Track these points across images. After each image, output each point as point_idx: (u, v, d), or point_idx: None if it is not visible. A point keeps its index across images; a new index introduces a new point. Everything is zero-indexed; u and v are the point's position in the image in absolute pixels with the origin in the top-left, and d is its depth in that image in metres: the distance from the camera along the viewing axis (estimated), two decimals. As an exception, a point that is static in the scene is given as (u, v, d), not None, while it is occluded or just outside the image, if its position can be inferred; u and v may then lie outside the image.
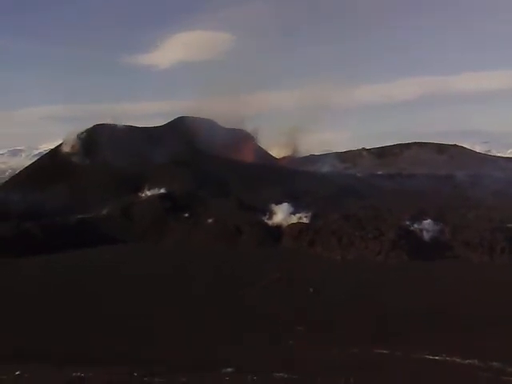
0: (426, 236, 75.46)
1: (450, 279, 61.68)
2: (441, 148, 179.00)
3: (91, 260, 70.95)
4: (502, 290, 56.24)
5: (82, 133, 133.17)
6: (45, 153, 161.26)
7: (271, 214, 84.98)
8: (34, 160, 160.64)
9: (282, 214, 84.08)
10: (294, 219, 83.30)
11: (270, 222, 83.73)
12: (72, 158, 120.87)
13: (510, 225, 77.50)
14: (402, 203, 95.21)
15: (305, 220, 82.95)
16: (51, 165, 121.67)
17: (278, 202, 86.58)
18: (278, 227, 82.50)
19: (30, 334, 43.74)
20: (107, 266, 67.41)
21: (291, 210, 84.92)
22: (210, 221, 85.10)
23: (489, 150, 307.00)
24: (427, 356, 38.63)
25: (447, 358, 38.15)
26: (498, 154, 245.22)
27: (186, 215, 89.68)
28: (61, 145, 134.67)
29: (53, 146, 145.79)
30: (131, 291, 56.25)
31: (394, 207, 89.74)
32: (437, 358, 38.33)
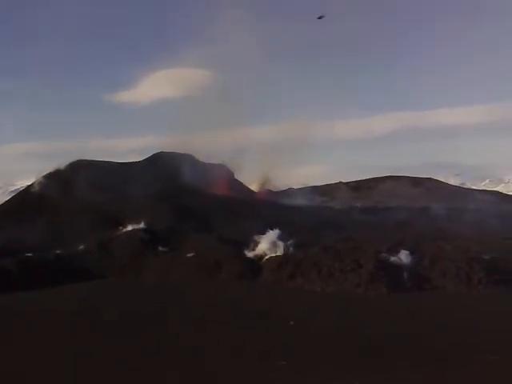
0: (404, 267, 76.23)
1: (428, 311, 62.27)
2: (415, 181, 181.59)
3: (67, 297, 69.89)
4: (479, 320, 56.98)
5: (60, 169, 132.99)
6: (21, 189, 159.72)
7: (255, 243, 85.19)
8: (10, 196, 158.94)
9: (266, 243, 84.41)
10: (280, 245, 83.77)
11: (251, 255, 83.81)
12: (49, 194, 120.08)
13: (486, 256, 78.74)
14: (380, 235, 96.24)
15: (290, 250, 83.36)
16: (28, 201, 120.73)
17: (260, 234, 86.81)
18: (259, 260, 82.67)
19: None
20: (82, 304, 66.25)
21: (277, 235, 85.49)
22: (189, 255, 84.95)
23: (463, 183, 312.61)
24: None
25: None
26: (473, 187, 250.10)
27: (166, 250, 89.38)
28: (37, 181, 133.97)
29: (29, 183, 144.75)
30: (106, 331, 55.12)
31: (371, 239, 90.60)
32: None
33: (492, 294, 69.48)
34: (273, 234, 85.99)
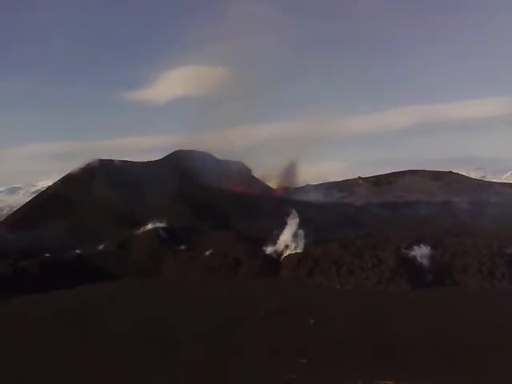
0: (425, 263, 75.10)
1: (450, 307, 61.23)
2: (436, 175, 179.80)
3: (87, 298, 69.99)
4: (502, 317, 55.84)
5: (79, 169, 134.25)
6: (42, 190, 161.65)
7: (276, 236, 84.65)
8: (31, 197, 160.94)
9: (287, 234, 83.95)
10: (301, 235, 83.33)
11: (271, 250, 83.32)
12: (68, 195, 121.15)
13: (508, 250, 77.24)
14: (400, 231, 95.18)
15: (309, 246, 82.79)
16: (49, 202, 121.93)
17: (278, 232, 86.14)
18: (278, 256, 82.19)
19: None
20: (101, 304, 66.20)
21: (296, 224, 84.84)
22: (208, 253, 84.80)
23: (484, 176, 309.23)
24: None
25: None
26: (494, 180, 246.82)
27: (185, 248, 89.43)
28: (57, 182, 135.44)
29: (50, 183, 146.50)
30: (123, 333, 54.84)
31: (391, 235, 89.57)
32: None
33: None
34: (293, 223, 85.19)
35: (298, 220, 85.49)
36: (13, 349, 50.55)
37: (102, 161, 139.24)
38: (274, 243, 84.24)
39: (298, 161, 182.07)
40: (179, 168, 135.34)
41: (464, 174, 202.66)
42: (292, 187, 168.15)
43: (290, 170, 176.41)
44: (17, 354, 49.25)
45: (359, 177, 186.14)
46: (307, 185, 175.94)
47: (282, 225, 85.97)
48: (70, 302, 68.39)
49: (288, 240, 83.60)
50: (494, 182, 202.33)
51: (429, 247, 78.18)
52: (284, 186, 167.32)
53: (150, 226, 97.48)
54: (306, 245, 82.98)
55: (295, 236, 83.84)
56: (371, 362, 43.55)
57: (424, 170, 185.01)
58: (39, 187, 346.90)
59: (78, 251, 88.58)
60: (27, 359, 47.54)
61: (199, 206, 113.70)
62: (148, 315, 60.41)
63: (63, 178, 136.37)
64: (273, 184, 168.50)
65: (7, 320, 61.23)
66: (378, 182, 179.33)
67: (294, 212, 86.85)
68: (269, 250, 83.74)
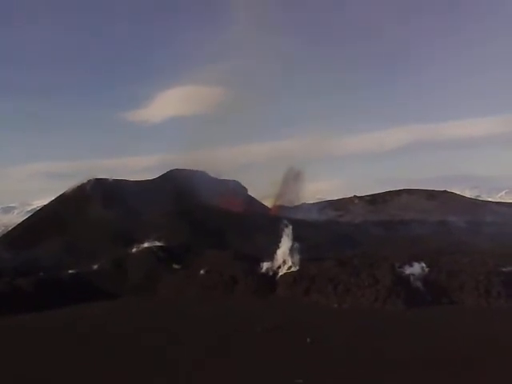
0: (421, 282, 75.16)
1: (447, 325, 61.16)
2: (431, 194, 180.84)
3: (83, 316, 69.44)
4: (499, 334, 55.79)
5: (74, 188, 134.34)
6: (38, 209, 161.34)
7: (273, 251, 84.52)
8: (26, 217, 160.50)
9: (284, 247, 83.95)
10: (296, 248, 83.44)
11: (268, 265, 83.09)
12: (64, 214, 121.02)
13: (504, 268, 77.44)
14: (396, 249, 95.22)
15: (305, 264, 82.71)
16: (44, 221, 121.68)
17: (273, 251, 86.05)
18: (274, 275, 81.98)
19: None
20: (95, 325, 65.57)
21: (291, 233, 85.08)
22: (204, 271, 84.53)
23: (478, 195, 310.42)
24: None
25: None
26: (489, 199, 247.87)
27: (181, 267, 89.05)
28: (53, 201, 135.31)
29: (46, 202, 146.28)
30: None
31: (388, 254, 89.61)
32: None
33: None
34: (289, 234, 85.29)
35: (292, 232, 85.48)
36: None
37: (97, 180, 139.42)
38: (271, 260, 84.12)
39: (295, 179, 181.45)
40: (175, 187, 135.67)
41: (458, 192, 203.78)
42: (288, 206, 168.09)
43: (295, 178, 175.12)
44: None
45: (355, 195, 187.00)
46: (303, 203, 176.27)
47: (278, 241, 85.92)
48: (66, 319, 67.87)
49: (285, 254, 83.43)
50: (489, 201, 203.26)
51: (425, 266, 78.30)
52: (280, 204, 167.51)
53: (146, 245, 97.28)
54: (301, 262, 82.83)
55: (291, 250, 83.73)
56: (370, 378, 43.20)
57: (419, 189, 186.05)
58: (34, 206, 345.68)
59: (73, 270, 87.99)
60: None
61: (195, 225, 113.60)
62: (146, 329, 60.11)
63: (58, 197, 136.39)
64: (269, 203, 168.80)
65: (6, 331, 61.34)
66: (373, 200, 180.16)
67: (287, 222, 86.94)
68: (265, 267, 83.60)
